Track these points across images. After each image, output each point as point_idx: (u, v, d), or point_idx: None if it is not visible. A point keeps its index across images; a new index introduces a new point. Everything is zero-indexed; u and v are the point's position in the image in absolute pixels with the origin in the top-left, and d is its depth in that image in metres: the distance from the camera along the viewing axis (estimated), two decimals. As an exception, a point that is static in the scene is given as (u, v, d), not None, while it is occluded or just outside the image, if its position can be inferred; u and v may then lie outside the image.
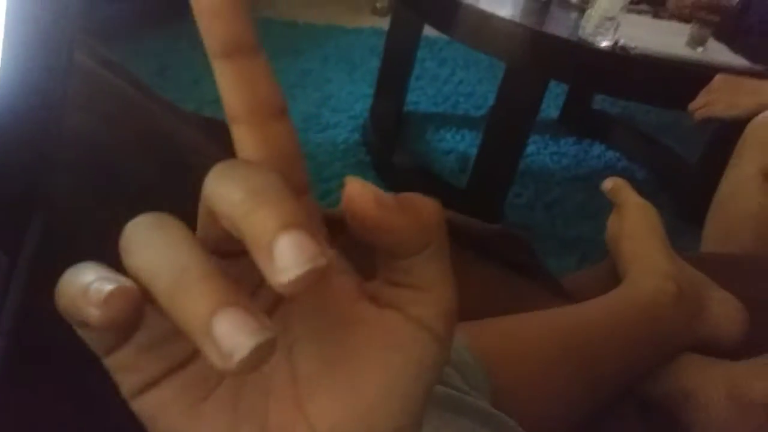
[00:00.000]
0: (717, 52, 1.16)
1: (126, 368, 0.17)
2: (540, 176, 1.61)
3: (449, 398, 0.34)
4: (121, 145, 0.33)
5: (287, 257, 0.14)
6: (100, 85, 0.35)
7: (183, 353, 0.18)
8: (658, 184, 1.68)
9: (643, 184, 1.67)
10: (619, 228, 0.60)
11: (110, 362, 0.17)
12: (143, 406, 0.17)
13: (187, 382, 0.17)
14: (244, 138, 0.17)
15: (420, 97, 1.88)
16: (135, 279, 0.15)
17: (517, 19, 1.15)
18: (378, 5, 2.48)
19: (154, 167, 0.33)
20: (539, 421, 0.42)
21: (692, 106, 1.01)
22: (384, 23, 1.82)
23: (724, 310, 0.56)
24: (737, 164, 0.91)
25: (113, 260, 0.16)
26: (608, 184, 0.62)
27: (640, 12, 1.32)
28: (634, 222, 0.59)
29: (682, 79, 1.10)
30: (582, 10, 1.16)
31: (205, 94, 1.58)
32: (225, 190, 0.15)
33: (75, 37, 0.23)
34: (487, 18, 1.15)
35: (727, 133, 0.98)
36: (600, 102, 2.00)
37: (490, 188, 1.33)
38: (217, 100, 0.18)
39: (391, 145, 1.54)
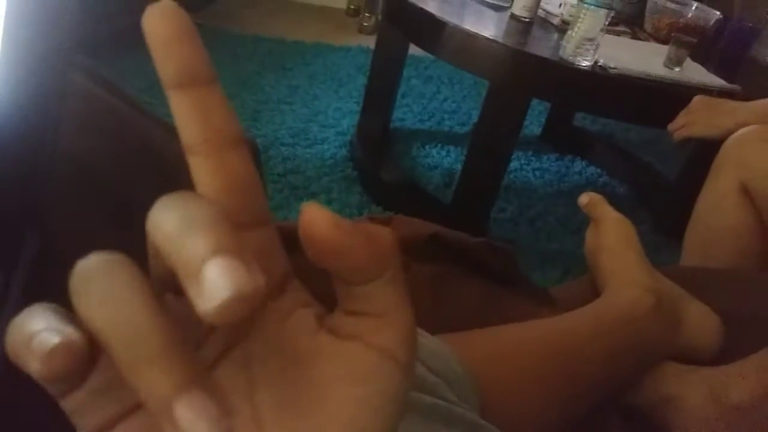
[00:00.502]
0: (694, 72, 1.19)
1: (81, 412, 0.16)
2: (523, 191, 1.63)
3: (437, 408, 0.34)
4: (115, 162, 0.33)
5: (214, 282, 0.13)
6: (95, 103, 0.36)
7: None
8: (638, 199, 1.71)
9: (623, 199, 1.70)
10: (596, 242, 0.61)
11: (65, 405, 0.16)
12: None
13: (145, 425, 0.17)
14: (199, 168, 0.17)
15: (406, 113, 1.90)
16: (87, 330, 0.15)
17: (500, 39, 1.18)
18: (365, 24, 2.51)
19: (147, 183, 0.34)
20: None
21: (671, 126, 1.03)
22: (370, 42, 1.84)
23: (701, 322, 0.57)
24: (714, 181, 0.93)
25: None
26: (584, 199, 0.63)
27: (618, 33, 1.36)
28: (611, 236, 0.60)
29: (659, 98, 1.13)
30: (563, 31, 1.20)
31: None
32: (161, 221, 0.15)
33: (69, 56, 0.24)
34: (470, 38, 1.17)
35: (706, 151, 1.00)
36: (581, 119, 2.03)
37: (475, 203, 1.35)
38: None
39: (378, 161, 1.55)
